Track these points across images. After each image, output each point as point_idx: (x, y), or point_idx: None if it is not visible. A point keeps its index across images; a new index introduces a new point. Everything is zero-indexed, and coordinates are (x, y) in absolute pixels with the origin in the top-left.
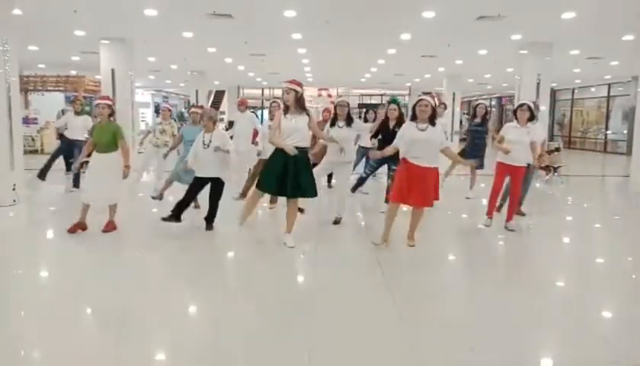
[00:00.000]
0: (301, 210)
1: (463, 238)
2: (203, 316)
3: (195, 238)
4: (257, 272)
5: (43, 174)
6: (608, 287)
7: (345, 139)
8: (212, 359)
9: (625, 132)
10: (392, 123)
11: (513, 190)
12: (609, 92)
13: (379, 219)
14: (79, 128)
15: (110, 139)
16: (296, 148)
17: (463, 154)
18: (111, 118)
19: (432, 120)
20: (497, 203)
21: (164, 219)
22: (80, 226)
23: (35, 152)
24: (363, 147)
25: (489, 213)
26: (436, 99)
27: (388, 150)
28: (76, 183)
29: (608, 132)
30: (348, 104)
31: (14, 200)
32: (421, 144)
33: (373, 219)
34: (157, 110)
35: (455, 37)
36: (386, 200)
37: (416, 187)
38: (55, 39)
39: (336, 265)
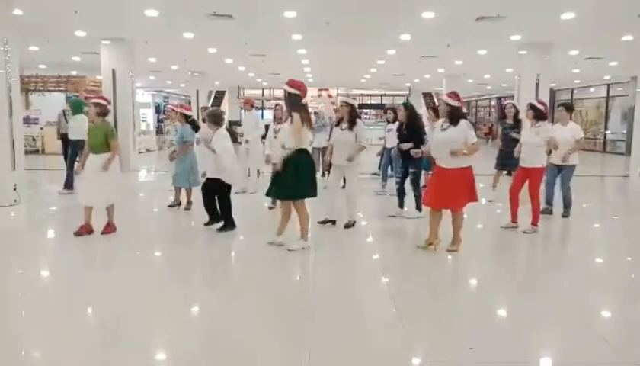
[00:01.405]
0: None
1: (464, 238)
2: (202, 316)
3: (195, 238)
4: (257, 272)
5: (69, 185)
6: (608, 287)
7: (347, 143)
8: (213, 358)
9: (624, 132)
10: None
11: (531, 192)
12: (608, 92)
13: (384, 221)
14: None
15: (102, 140)
16: (287, 149)
17: (501, 163)
18: (101, 118)
19: (451, 119)
20: (542, 207)
21: (206, 224)
22: (86, 229)
23: (36, 152)
24: (387, 149)
25: (513, 217)
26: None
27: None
28: (67, 185)
29: (607, 132)
30: (346, 103)
31: (15, 200)
32: (440, 144)
33: (380, 221)
34: (159, 111)
35: (454, 38)
36: (400, 205)
37: (441, 190)
38: (55, 39)
39: (336, 265)
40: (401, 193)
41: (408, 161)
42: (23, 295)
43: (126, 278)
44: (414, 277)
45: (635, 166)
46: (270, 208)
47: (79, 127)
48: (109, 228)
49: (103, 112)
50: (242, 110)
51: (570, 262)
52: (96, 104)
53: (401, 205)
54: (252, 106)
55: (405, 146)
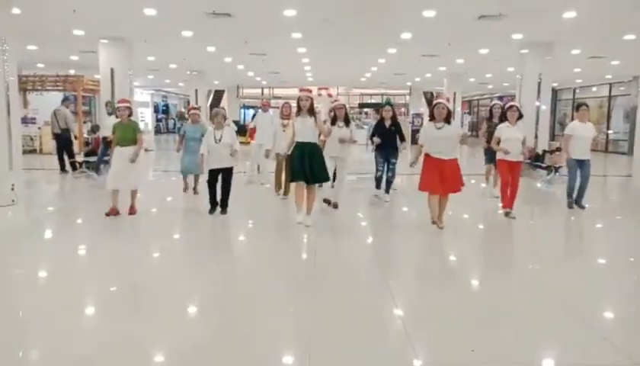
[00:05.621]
0: (327, 202)
1: (464, 237)
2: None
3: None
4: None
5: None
6: (608, 287)
7: (345, 137)
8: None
9: (627, 131)
10: (387, 123)
11: (512, 182)
12: (610, 92)
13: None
14: None
15: (132, 135)
16: (307, 143)
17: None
18: (131, 117)
19: (448, 120)
20: (572, 197)
21: (211, 212)
22: (114, 212)
23: (34, 151)
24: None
25: (504, 204)
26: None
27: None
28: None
29: (609, 131)
30: (344, 105)
31: (13, 200)
32: (440, 140)
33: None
34: (158, 110)
35: (456, 37)
36: (377, 187)
37: (441, 177)
38: (54, 38)
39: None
40: (379, 179)
41: (389, 153)
42: (22, 295)
43: (125, 275)
44: (416, 280)
45: (638, 166)
46: (283, 198)
47: None
48: (132, 209)
49: (131, 112)
50: (259, 111)
51: (571, 261)
52: (128, 107)
53: (378, 187)
54: (269, 107)
55: (377, 140)
